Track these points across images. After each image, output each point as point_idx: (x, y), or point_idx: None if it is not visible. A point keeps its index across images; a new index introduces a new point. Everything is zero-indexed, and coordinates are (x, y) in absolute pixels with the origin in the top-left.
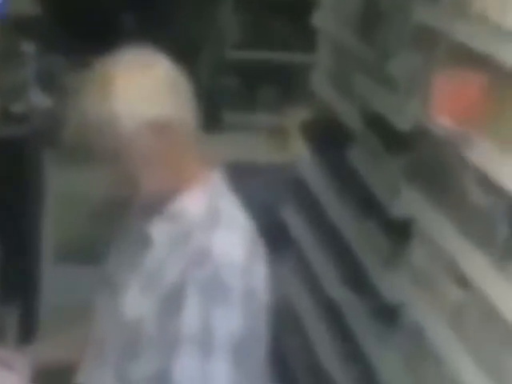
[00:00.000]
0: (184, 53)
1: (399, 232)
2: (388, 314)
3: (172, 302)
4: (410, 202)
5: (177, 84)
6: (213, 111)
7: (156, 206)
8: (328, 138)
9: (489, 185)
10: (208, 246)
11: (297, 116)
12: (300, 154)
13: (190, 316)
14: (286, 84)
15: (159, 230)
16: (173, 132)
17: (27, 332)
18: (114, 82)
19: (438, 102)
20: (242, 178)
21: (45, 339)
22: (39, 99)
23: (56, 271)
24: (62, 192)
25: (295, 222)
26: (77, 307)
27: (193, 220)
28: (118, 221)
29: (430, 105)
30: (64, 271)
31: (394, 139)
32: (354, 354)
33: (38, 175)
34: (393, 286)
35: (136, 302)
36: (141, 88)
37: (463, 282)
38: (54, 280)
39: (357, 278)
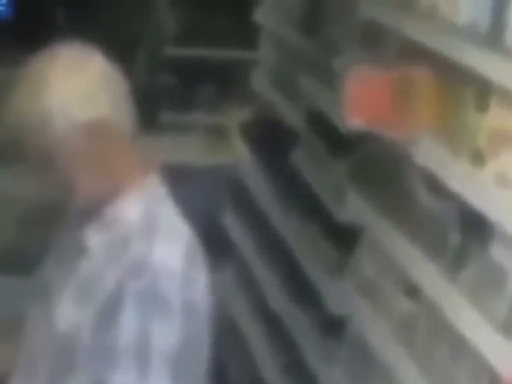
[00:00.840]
0: (119, 49)
1: (346, 239)
2: (333, 327)
3: (108, 314)
4: (356, 207)
5: (112, 82)
6: (149, 111)
7: (91, 211)
8: (270, 138)
9: (438, 188)
10: (146, 255)
11: (237, 116)
12: (240, 155)
13: (127, 328)
14: (226, 82)
15: (95, 237)
16: (108, 133)
17: None
18: (48, 81)
19: (350, 100)
20: (179, 180)
21: None
22: None
23: None
24: None
25: (236, 227)
26: (6, 319)
27: (129, 227)
28: (52, 227)
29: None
30: None
31: (338, 140)
32: (297, 368)
33: None
34: (339, 296)
35: (70, 313)
36: (75, 87)
37: (413, 291)
38: None
39: (300, 288)
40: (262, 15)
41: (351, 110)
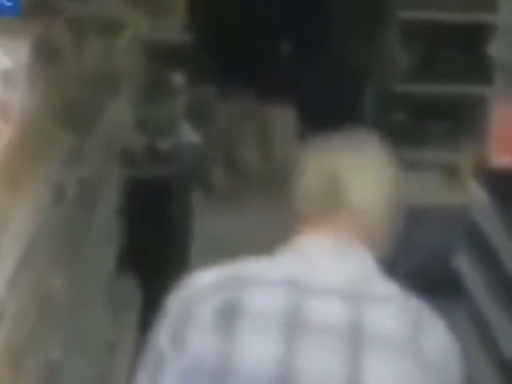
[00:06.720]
0: (347, 85)
1: None
2: None
3: None
4: None
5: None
6: None
7: None
8: (506, 179)
9: None
10: None
11: (471, 154)
12: (475, 196)
13: None
14: (460, 119)
15: None
16: None
17: None
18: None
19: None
20: (410, 221)
21: None
22: (188, 135)
23: None
24: (211, 236)
25: (469, 271)
26: None
27: None
28: None
29: None
30: None
31: None
32: None
33: (186, 217)
34: None
35: None
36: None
37: None
38: None
39: None
40: (497, 48)
41: (498, 146)
